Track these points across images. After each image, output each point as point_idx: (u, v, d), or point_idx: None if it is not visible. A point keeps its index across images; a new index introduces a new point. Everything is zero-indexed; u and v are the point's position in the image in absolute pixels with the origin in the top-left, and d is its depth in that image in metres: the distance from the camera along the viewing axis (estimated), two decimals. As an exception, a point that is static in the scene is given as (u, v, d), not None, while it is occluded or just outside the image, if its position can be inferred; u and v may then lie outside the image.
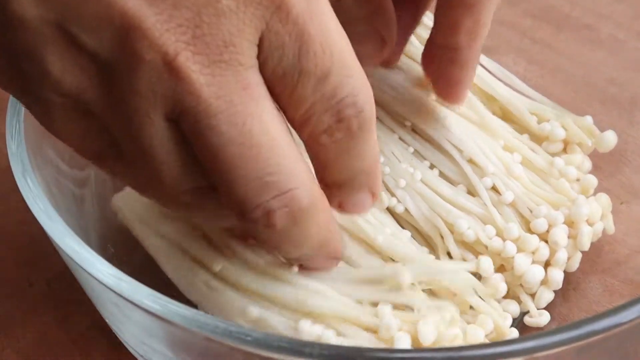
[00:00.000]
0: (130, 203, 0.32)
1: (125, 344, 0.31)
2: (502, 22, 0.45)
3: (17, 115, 0.30)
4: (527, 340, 0.21)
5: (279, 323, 0.28)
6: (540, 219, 0.32)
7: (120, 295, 0.23)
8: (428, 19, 0.40)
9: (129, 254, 0.34)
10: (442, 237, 0.33)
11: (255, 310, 0.28)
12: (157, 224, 0.31)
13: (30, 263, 0.38)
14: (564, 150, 0.37)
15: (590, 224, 0.33)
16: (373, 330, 0.28)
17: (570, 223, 0.33)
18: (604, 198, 0.34)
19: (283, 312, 0.28)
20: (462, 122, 0.36)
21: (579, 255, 0.33)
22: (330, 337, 0.27)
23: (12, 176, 0.27)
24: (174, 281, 0.31)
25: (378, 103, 0.37)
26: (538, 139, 0.37)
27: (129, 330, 0.28)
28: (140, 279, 0.24)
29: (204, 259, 0.30)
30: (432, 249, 0.34)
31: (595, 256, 0.34)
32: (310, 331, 0.27)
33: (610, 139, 0.36)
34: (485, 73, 0.39)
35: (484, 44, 0.43)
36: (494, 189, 0.34)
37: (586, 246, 0.33)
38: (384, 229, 0.32)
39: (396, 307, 0.28)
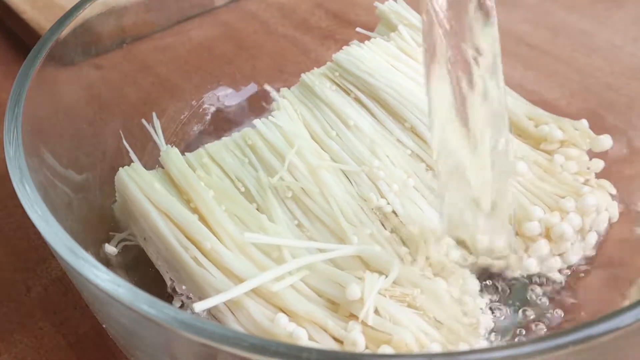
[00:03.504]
0: (135, 177, 0.33)
1: (122, 349, 0.31)
2: (499, 28, 0.45)
3: (15, 121, 0.30)
4: (525, 345, 0.21)
5: (256, 311, 0.29)
6: (533, 222, 0.33)
7: (117, 301, 0.23)
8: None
9: (124, 259, 0.34)
10: (424, 242, 0.33)
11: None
12: (158, 199, 0.32)
13: (27, 268, 0.38)
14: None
15: (598, 213, 0.34)
16: (340, 341, 0.28)
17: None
18: (606, 184, 0.35)
19: (261, 301, 0.29)
20: None
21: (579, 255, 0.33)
22: (302, 336, 0.27)
23: (10, 182, 0.27)
24: (159, 263, 0.32)
25: (381, 104, 0.37)
26: (536, 141, 0.37)
27: (126, 335, 0.28)
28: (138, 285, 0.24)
29: (196, 236, 0.31)
30: (414, 251, 0.34)
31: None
32: (285, 326, 0.28)
33: (605, 141, 0.37)
34: None
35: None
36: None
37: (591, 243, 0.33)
38: (363, 230, 0.33)
39: (365, 324, 0.28)
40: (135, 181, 0.33)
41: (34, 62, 0.32)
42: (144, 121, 0.40)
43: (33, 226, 0.26)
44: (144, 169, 0.34)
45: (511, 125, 0.38)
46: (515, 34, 0.45)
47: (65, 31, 0.35)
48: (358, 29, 0.43)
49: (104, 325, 0.30)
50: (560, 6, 0.45)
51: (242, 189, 0.34)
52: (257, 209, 0.33)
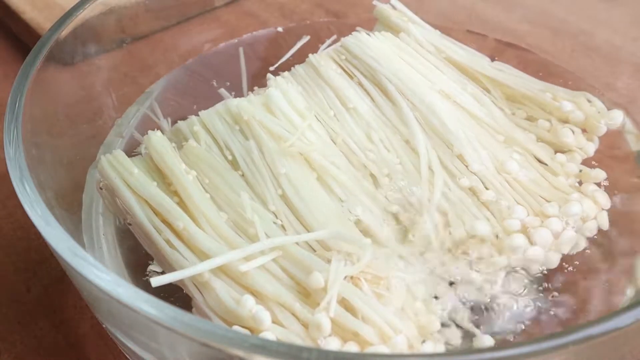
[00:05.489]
0: (115, 163, 0.33)
1: (122, 349, 0.31)
2: (499, 28, 0.45)
3: (15, 121, 0.30)
4: (525, 345, 0.21)
5: (223, 292, 0.29)
6: (514, 220, 0.32)
7: (117, 301, 0.23)
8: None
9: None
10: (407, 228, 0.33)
11: (205, 275, 0.29)
12: (135, 184, 0.32)
13: (28, 268, 0.38)
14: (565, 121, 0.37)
15: (584, 221, 0.33)
16: (306, 325, 0.28)
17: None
18: (600, 196, 0.34)
19: (230, 282, 0.29)
20: (462, 115, 0.37)
21: (558, 256, 0.33)
22: (264, 319, 0.27)
23: (10, 182, 0.27)
24: (145, 245, 0.32)
25: (382, 90, 0.38)
26: (559, 118, 0.37)
27: (126, 335, 0.28)
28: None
29: (169, 217, 0.31)
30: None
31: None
32: (250, 307, 0.28)
33: (616, 115, 0.37)
34: (487, 62, 0.40)
35: (480, 49, 0.43)
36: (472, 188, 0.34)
37: (565, 249, 0.32)
38: (355, 208, 0.33)
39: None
40: (115, 167, 0.33)
41: (34, 62, 0.32)
42: (147, 110, 0.40)
43: (33, 226, 0.26)
44: (125, 155, 0.34)
45: (530, 101, 0.38)
46: (515, 34, 0.45)
47: (65, 31, 0.35)
48: (358, 29, 0.43)
49: (104, 325, 0.30)
50: (560, 6, 0.45)
51: (230, 157, 0.34)
52: (242, 177, 0.34)
